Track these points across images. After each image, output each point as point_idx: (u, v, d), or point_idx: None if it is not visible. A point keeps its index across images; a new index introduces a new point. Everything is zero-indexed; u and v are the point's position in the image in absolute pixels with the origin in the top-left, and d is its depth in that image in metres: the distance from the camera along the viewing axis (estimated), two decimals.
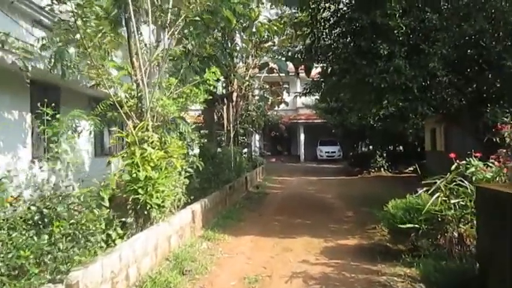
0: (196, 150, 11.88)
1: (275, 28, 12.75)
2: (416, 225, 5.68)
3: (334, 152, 32.36)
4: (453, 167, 5.83)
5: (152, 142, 6.17)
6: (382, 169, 21.62)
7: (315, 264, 5.96)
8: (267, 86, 16.43)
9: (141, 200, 5.64)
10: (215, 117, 22.87)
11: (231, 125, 15.56)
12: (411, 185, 16.03)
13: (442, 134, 15.98)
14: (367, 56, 7.82)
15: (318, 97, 27.53)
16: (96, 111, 6.95)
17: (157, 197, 5.75)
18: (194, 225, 7.48)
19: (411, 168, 23.32)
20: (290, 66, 18.50)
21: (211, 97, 7.02)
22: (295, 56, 10.62)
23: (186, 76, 7.50)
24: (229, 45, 10.29)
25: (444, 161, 15.27)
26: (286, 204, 12.12)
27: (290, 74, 18.66)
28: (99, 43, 6.17)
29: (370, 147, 24.95)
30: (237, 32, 12.71)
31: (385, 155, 21.94)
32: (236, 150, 15.50)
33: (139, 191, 5.65)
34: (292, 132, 34.58)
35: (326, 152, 32.44)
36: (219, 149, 13.42)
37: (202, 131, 8.24)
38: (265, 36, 14.36)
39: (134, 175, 5.72)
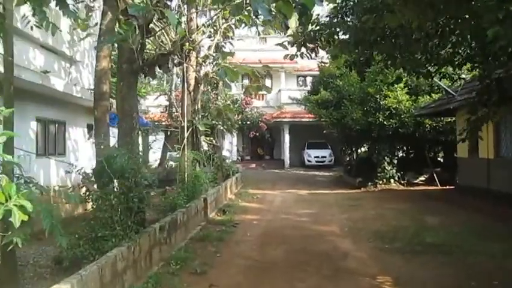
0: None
1: None
2: None
3: (325, 156, 27.25)
4: None
5: None
6: (391, 180, 16.61)
7: None
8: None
9: None
10: (175, 109, 17.58)
11: (185, 119, 10.31)
12: (447, 205, 10.62)
13: (494, 133, 11.08)
14: None
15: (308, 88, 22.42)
16: None
17: None
18: None
19: (422, 178, 18.69)
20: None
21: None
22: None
23: None
24: None
25: (498, 172, 10.12)
26: (265, 255, 6.91)
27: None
28: None
29: (366, 150, 20.12)
30: None
31: (395, 161, 16.93)
32: (192, 158, 10.31)
33: None
34: (275, 133, 29.47)
35: (315, 157, 27.27)
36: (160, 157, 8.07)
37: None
38: None
39: None
